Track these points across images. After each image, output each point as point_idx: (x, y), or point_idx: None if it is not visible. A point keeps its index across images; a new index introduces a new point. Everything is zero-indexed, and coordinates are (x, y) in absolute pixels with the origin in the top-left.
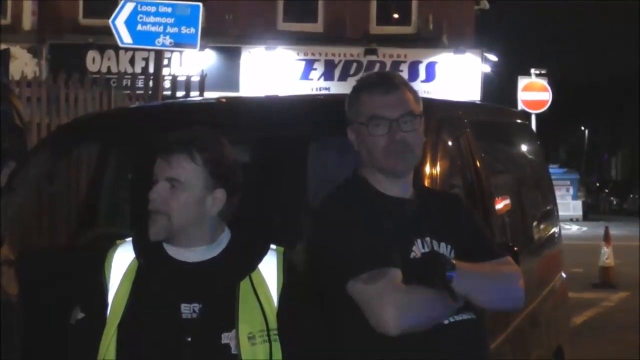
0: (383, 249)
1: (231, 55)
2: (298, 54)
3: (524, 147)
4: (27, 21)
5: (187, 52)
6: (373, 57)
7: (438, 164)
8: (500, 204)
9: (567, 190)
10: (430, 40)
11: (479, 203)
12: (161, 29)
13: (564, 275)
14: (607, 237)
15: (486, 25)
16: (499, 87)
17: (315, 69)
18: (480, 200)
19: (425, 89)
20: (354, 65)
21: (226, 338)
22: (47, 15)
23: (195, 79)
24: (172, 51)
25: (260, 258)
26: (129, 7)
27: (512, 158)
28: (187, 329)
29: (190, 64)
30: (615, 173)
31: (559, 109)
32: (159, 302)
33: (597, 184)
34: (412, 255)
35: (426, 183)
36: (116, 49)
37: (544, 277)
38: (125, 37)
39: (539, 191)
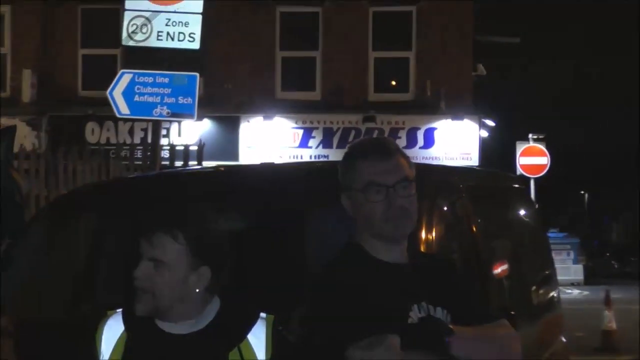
0: (381, 315)
1: (230, 124)
2: (296, 122)
3: (520, 212)
4: (27, 94)
5: (186, 122)
6: (371, 124)
7: (433, 229)
8: (498, 269)
9: (568, 254)
10: (428, 106)
11: (475, 267)
12: (158, 99)
13: (564, 339)
14: (608, 301)
15: (484, 91)
16: (499, 153)
17: (313, 137)
18: (476, 264)
19: (424, 155)
20: (353, 132)
21: None
22: (46, 88)
23: (194, 148)
24: (169, 121)
25: (249, 328)
26: (126, 78)
27: (509, 222)
28: None
29: (189, 134)
30: (616, 237)
31: (558, 174)
32: None
33: (598, 248)
34: (410, 320)
35: (422, 248)
36: (115, 120)
37: (544, 341)
38: (122, 108)
39: (537, 255)
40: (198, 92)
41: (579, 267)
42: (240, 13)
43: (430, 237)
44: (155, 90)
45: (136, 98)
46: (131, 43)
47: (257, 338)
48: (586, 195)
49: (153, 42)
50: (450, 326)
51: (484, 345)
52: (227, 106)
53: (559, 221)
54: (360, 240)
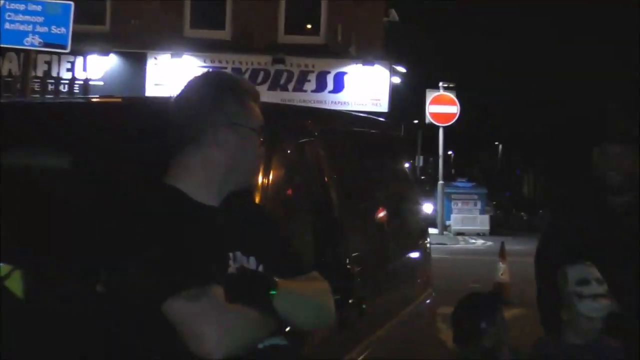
0: (202, 262)
1: (136, 61)
2: (205, 61)
3: (390, 159)
4: None
5: (92, 56)
6: (281, 67)
7: (271, 173)
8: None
9: (475, 204)
10: (338, 51)
11: (325, 214)
12: (30, 27)
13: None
14: (502, 253)
15: (396, 38)
16: (410, 100)
17: None
18: (326, 211)
19: (332, 100)
20: (262, 73)
21: None
22: None
23: (97, 83)
24: (41, 52)
25: None
26: None
27: (375, 169)
28: None
29: (94, 69)
30: (527, 189)
31: (473, 125)
32: None
33: (509, 200)
34: (230, 270)
35: (257, 193)
36: (17, 51)
37: (406, 294)
38: None
39: (404, 205)
40: (72, 22)
41: (485, 218)
42: None
43: (265, 181)
44: (27, 18)
45: (6, 26)
46: None
47: None
48: (500, 146)
49: None
50: (275, 278)
51: (304, 299)
52: (134, 42)
53: (470, 172)
54: (176, 182)
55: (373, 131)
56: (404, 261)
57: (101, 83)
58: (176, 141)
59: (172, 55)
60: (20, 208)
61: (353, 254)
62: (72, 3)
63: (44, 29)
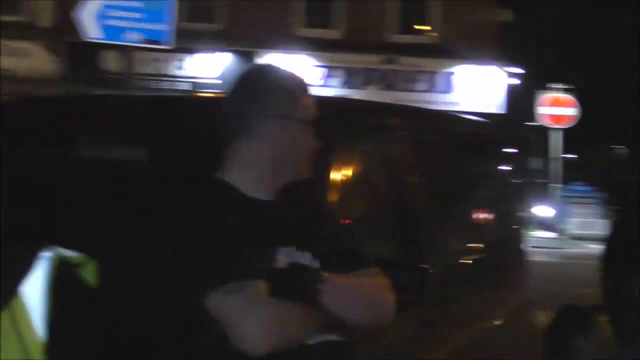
0: (246, 257)
1: (248, 59)
2: (317, 60)
3: (488, 160)
4: (46, 19)
5: (204, 54)
6: (391, 66)
7: (348, 168)
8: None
9: (592, 208)
10: (449, 51)
11: (406, 213)
12: (131, 23)
13: (530, 295)
14: None
15: (512, 38)
16: (524, 101)
17: (335, 77)
18: (408, 210)
19: (442, 100)
20: (372, 73)
21: None
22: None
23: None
24: (142, 48)
25: (22, 277)
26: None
27: (467, 170)
28: None
29: (206, 67)
30: None
31: (591, 126)
32: None
33: None
34: (277, 265)
35: (331, 188)
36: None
37: (497, 298)
38: (91, 30)
39: (498, 207)
40: (175, 18)
41: (605, 222)
42: None
43: (341, 177)
44: (128, 14)
45: (107, 21)
46: None
47: (35, 288)
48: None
49: None
50: (323, 273)
51: (356, 295)
52: (246, 41)
53: (590, 175)
54: (227, 176)
55: (469, 130)
56: (495, 264)
57: (216, 82)
58: (226, 135)
59: (284, 54)
60: (97, 200)
61: (436, 255)
62: (173, 1)
63: (146, 25)
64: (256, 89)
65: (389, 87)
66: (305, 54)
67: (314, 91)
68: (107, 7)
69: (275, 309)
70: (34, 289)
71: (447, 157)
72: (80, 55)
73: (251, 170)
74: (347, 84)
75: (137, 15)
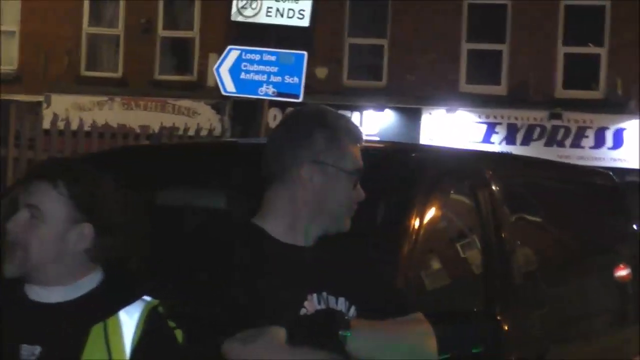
0: (267, 304)
1: (411, 116)
2: (480, 116)
3: (598, 213)
4: (212, 78)
5: (368, 112)
6: (558, 122)
7: (429, 214)
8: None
9: None
10: (618, 105)
11: (497, 264)
12: (265, 77)
13: None
14: None
15: None
16: None
17: (497, 132)
18: (499, 262)
19: (612, 157)
20: (538, 129)
21: None
22: None
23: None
24: (275, 100)
25: (123, 305)
26: (233, 55)
27: (571, 219)
28: None
29: (370, 124)
30: None
31: None
32: (3, 339)
33: None
34: (304, 312)
35: (408, 233)
36: (295, 105)
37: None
38: (228, 85)
39: (602, 259)
40: (305, 72)
41: None
42: (425, 3)
43: (420, 222)
44: (262, 68)
45: (242, 75)
46: (240, 19)
47: (130, 317)
48: None
49: (262, 19)
50: (349, 319)
51: (387, 341)
52: (408, 97)
53: None
54: (261, 220)
55: (575, 180)
56: (597, 320)
57: (376, 138)
58: (265, 179)
59: (447, 111)
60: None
61: (517, 305)
62: (305, 53)
63: (278, 79)
64: (297, 132)
65: (554, 143)
66: (468, 110)
67: (474, 145)
68: (243, 60)
69: (292, 356)
70: (128, 321)
71: (542, 205)
72: (241, 112)
73: (285, 216)
74: (510, 140)
75: (271, 69)
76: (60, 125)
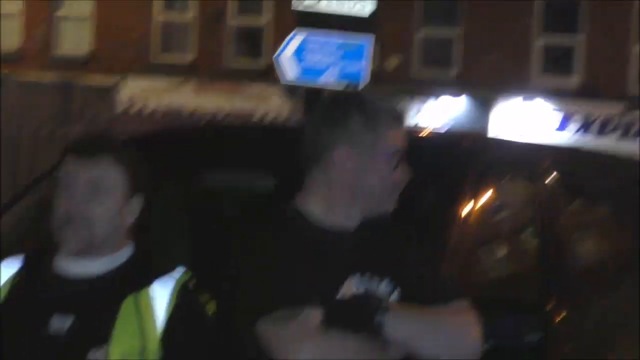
0: (304, 286)
1: (484, 106)
2: (555, 106)
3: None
4: None
5: (439, 100)
6: (632, 115)
7: (481, 203)
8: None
9: None
10: None
11: (552, 256)
12: (329, 63)
13: None
14: None
15: None
16: None
17: (571, 123)
18: (554, 254)
19: None
20: (611, 122)
21: (94, 354)
22: None
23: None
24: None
25: (155, 278)
26: (296, 41)
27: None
28: (53, 342)
29: (443, 112)
30: None
31: None
32: (31, 312)
33: None
34: (342, 294)
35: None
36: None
37: None
38: (289, 73)
39: None
40: (371, 58)
41: None
42: None
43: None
44: (325, 55)
45: (305, 62)
46: (301, 8)
47: (162, 291)
48: None
49: (323, 7)
50: (387, 303)
51: (426, 327)
52: (482, 87)
53: None
54: (301, 204)
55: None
56: None
57: (447, 126)
58: (304, 163)
59: (524, 99)
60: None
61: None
62: (372, 37)
63: (343, 65)
64: (335, 115)
65: (629, 135)
66: (543, 99)
67: (544, 136)
68: (306, 48)
69: (328, 338)
70: (160, 295)
71: (600, 198)
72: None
73: (323, 199)
74: (584, 131)
75: (335, 54)
76: (134, 109)
